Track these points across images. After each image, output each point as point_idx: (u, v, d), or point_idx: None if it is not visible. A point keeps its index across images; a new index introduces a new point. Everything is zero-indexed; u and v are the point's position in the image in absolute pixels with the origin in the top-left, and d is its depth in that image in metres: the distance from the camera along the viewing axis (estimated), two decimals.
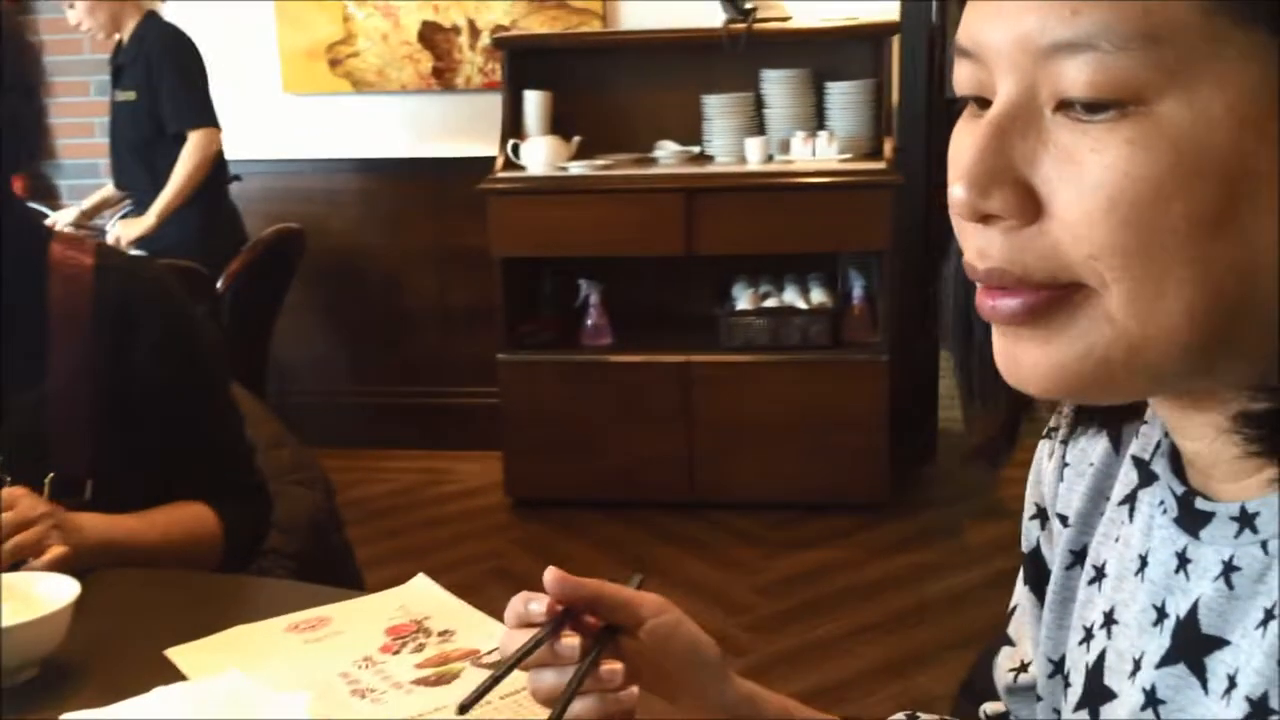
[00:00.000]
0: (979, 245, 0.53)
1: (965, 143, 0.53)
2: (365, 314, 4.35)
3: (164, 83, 3.51)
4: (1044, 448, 0.74)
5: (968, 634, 2.81)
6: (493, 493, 3.90)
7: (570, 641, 0.74)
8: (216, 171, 3.65)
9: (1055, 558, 0.71)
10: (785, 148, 3.70)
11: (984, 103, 0.54)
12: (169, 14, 3.91)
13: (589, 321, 3.76)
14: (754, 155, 3.66)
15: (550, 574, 0.77)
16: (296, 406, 3.77)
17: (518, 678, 0.75)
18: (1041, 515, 0.74)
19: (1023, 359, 0.53)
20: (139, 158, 3.60)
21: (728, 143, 3.78)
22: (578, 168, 3.71)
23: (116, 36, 3.63)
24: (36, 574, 1.14)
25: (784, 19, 3.82)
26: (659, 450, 3.65)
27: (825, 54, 3.83)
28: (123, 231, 3.47)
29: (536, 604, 0.76)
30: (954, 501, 3.73)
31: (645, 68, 3.97)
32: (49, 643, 1.07)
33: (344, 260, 4.27)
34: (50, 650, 1.07)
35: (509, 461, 3.74)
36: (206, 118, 3.57)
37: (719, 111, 3.81)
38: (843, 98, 3.71)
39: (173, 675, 1.07)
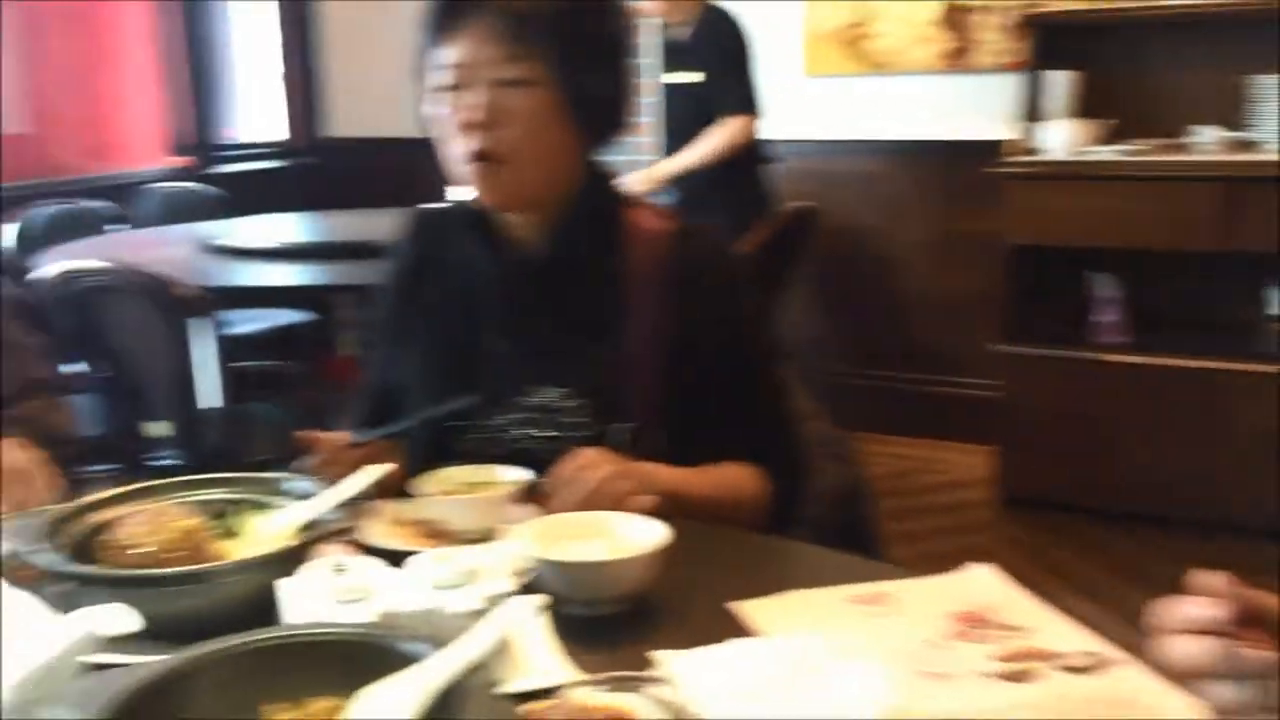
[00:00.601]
0: None
1: None
2: (864, 296, 4.36)
3: (725, 69, 3.69)
4: None
5: None
6: (982, 487, 3.78)
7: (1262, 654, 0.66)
8: (753, 151, 3.79)
9: None
10: None
11: None
12: None
13: (1103, 317, 3.53)
14: None
15: (1221, 579, 0.70)
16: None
17: None
18: None
19: None
20: (690, 138, 3.80)
21: (1278, 128, 3.38)
22: (1103, 152, 3.48)
23: (663, 21, 3.86)
24: (627, 516, 1.22)
25: None
26: (1176, 462, 3.36)
27: None
28: (634, 181, 3.68)
29: (1213, 609, 0.68)
30: None
31: (1181, 45, 3.65)
32: (638, 582, 1.14)
33: (846, 241, 4.30)
34: (637, 588, 1.14)
35: (1005, 457, 3.60)
36: (748, 105, 3.71)
37: (1268, 93, 3.42)
38: None
39: (737, 629, 1.10)
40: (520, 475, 1.36)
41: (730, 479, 1.46)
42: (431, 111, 1.45)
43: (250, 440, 2.99)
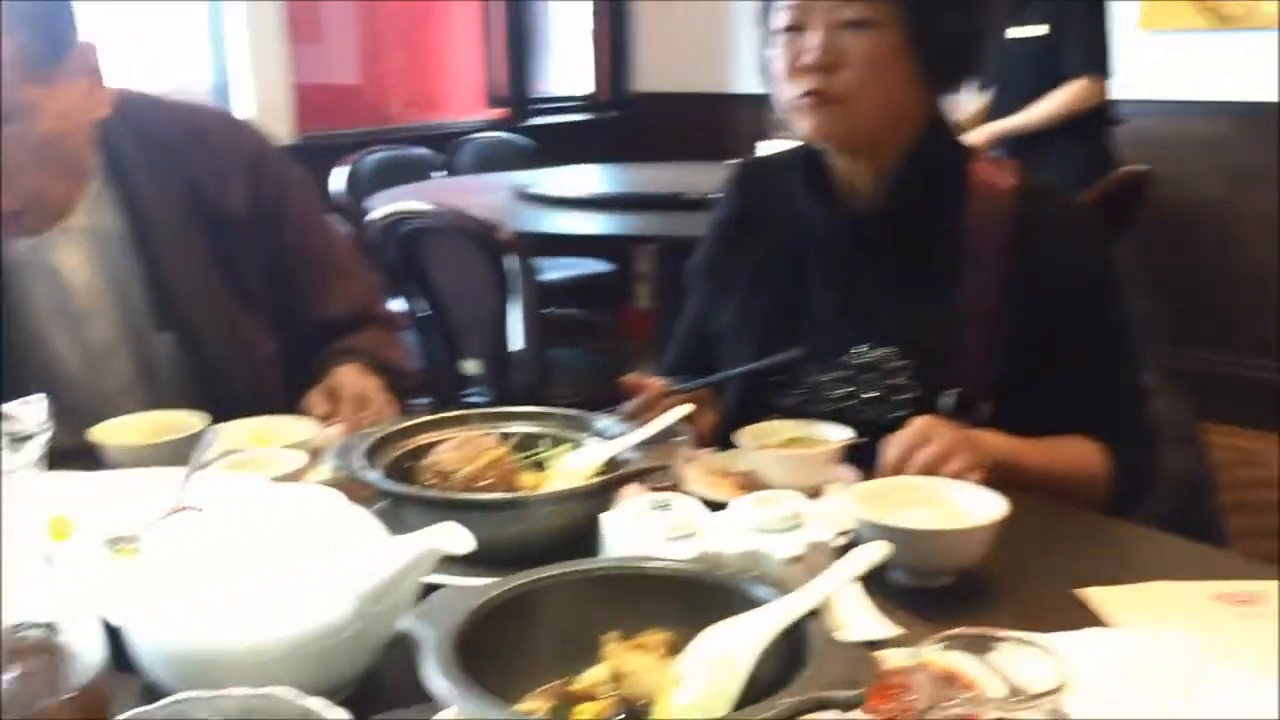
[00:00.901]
0: None
1: None
2: (1195, 273, 4.02)
3: (1074, 22, 3.45)
4: None
5: None
6: None
7: None
8: (1099, 113, 3.57)
9: None
10: None
11: None
12: None
13: None
14: None
15: None
16: None
17: None
18: None
19: None
20: (1028, 98, 3.58)
21: None
22: None
23: None
24: (961, 485, 1.15)
25: None
26: None
27: None
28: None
29: None
30: None
31: None
32: (972, 555, 1.07)
33: (1179, 211, 3.97)
34: (968, 562, 1.08)
35: None
36: (1098, 64, 3.47)
37: None
38: None
39: (1085, 617, 1.01)
40: (843, 434, 1.31)
41: (1071, 453, 1.36)
42: (769, 54, 1.41)
43: (553, 384, 3.07)
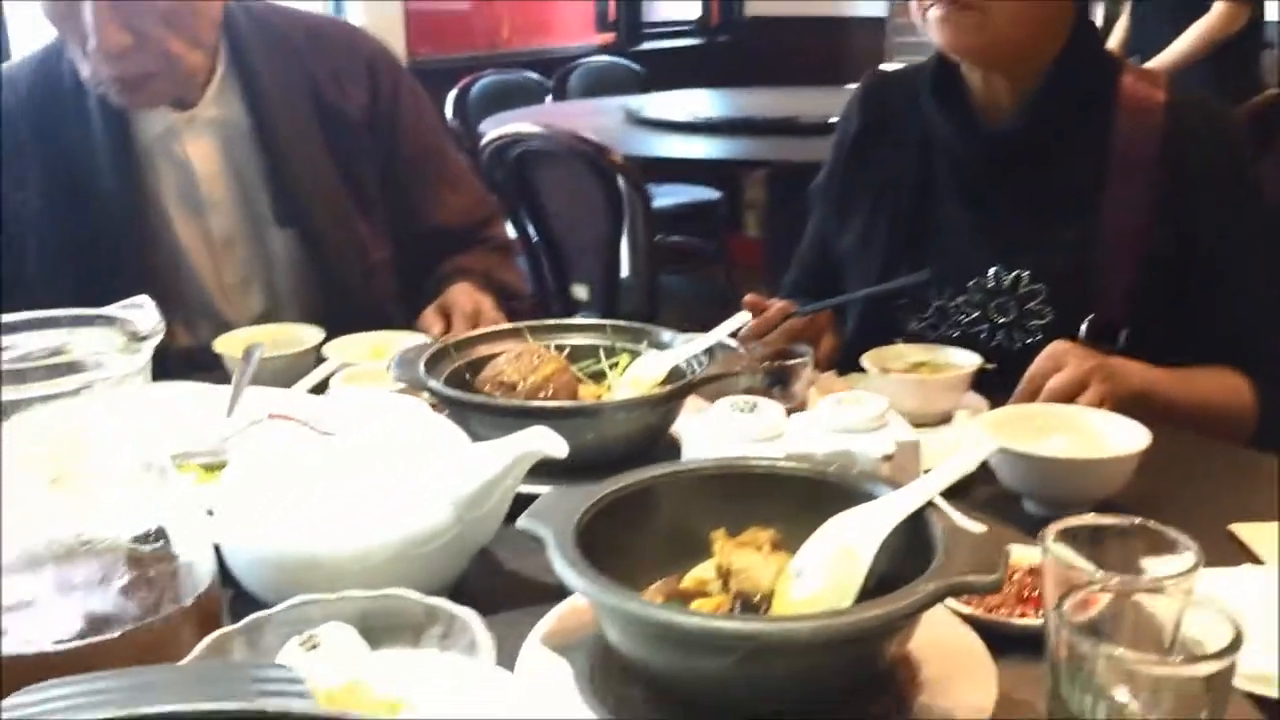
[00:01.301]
0: None
1: None
2: None
3: None
4: None
5: None
6: None
7: None
8: (1246, 36, 3.44)
9: None
10: None
11: None
12: None
13: None
14: None
15: None
16: None
17: None
18: None
19: None
20: (1168, 18, 3.49)
21: None
22: None
23: None
24: (1100, 413, 1.09)
25: None
26: None
27: None
28: None
29: None
30: None
31: None
32: (1109, 486, 1.02)
33: None
34: (1108, 494, 1.03)
35: None
36: None
37: None
38: None
39: (1235, 554, 0.96)
40: (973, 359, 1.26)
41: (1215, 384, 1.29)
42: None
43: (662, 310, 3.04)
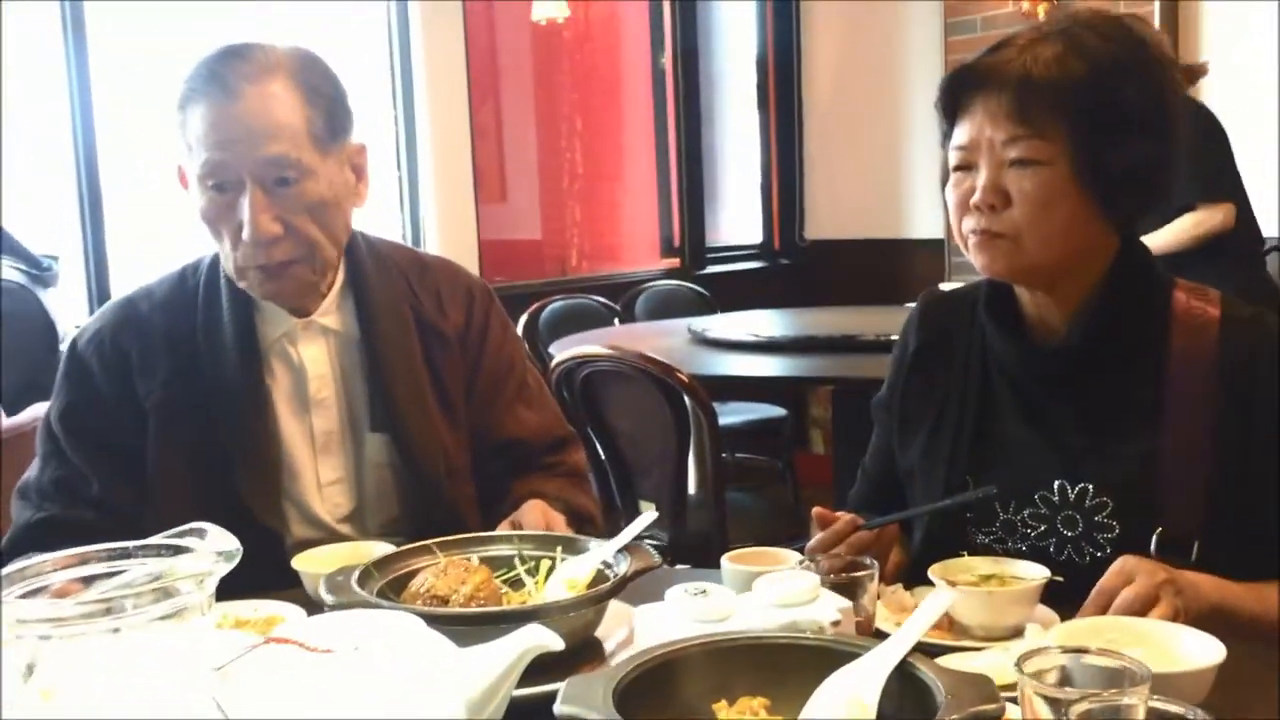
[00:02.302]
0: None
1: None
2: None
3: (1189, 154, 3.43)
4: None
5: None
6: None
7: None
8: (1245, 238, 3.48)
9: None
10: None
11: None
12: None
13: None
14: None
15: None
16: None
17: None
18: None
19: None
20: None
21: None
22: None
23: None
24: (1171, 626, 1.08)
25: None
26: None
27: None
28: None
29: None
30: None
31: None
32: (1184, 699, 1.00)
33: None
34: None
35: None
36: (1214, 193, 3.42)
37: None
38: None
39: None
40: (1042, 572, 1.26)
41: None
42: (947, 193, 1.42)
43: (728, 528, 3.04)
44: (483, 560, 1.30)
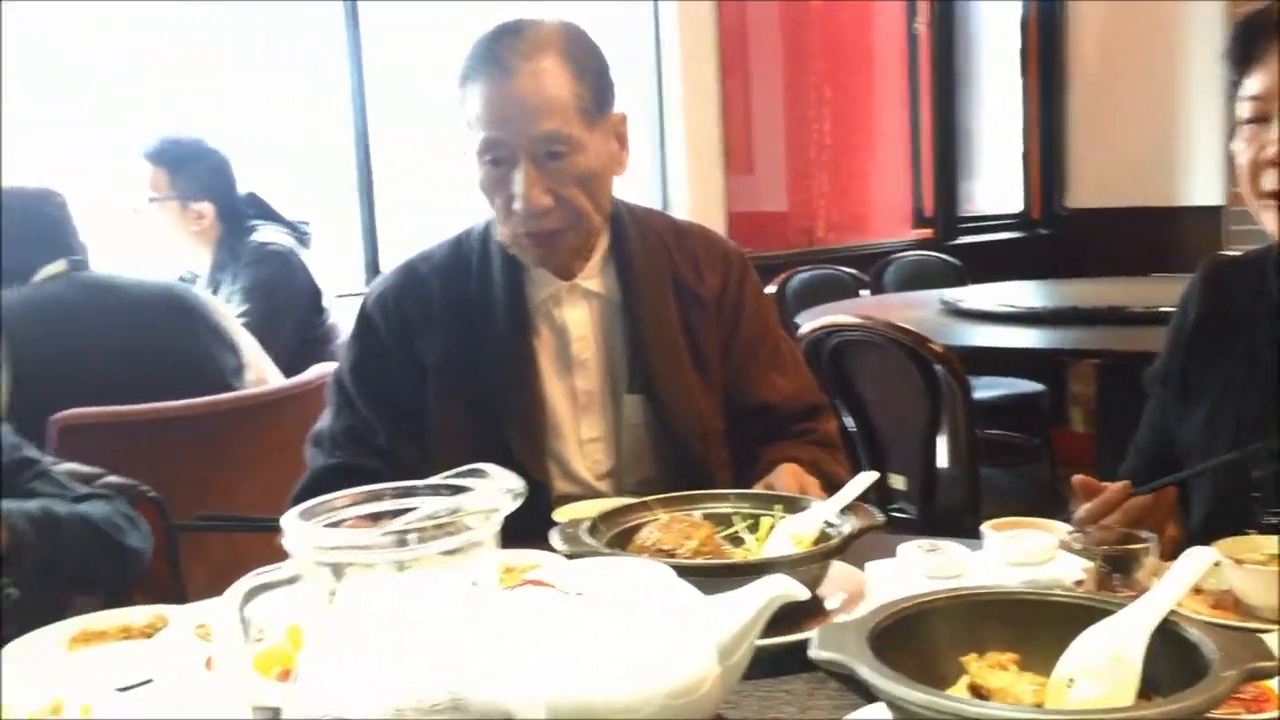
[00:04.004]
0: None
1: None
2: None
3: None
4: None
5: None
6: None
7: None
8: None
9: None
10: None
11: None
12: None
13: None
14: None
15: None
16: None
17: None
18: None
19: None
20: None
21: None
22: None
23: None
24: None
25: None
26: None
27: None
28: None
29: None
30: None
31: None
32: None
33: None
34: None
35: None
36: None
37: None
38: None
39: None
40: None
41: None
42: (1234, 148, 1.32)
43: (981, 503, 2.96)
44: (704, 517, 1.33)
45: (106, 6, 3.50)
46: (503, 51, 1.52)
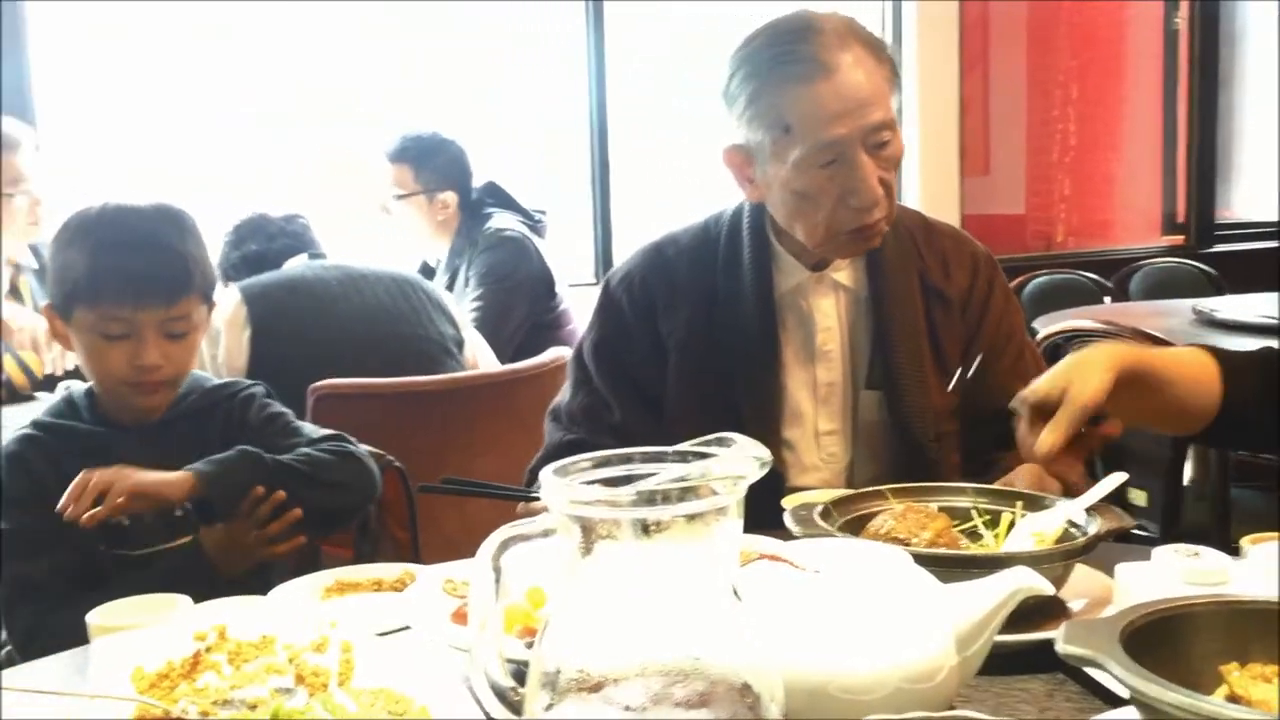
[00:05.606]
0: None
1: None
2: None
3: None
4: None
5: None
6: None
7: None
8: None
9: None
10: None
11: None
12: None
13: None
14: None
15: None
16: None
17: None
18: None
19: None
20: None
21: None
22: None
23: None
24: None
25: None
26: None
27: None
28: None
29: None
30: None
31: None
32: None
33: None
34: None
35: None
36: None
37: None
38: None
39: None
40: None
41: None
42: None
43: (1228, 524, 2.78)
44: (940, 509, 1.29)
45: (360, 9, 3.71)
46: (815, 50, 1.49)
